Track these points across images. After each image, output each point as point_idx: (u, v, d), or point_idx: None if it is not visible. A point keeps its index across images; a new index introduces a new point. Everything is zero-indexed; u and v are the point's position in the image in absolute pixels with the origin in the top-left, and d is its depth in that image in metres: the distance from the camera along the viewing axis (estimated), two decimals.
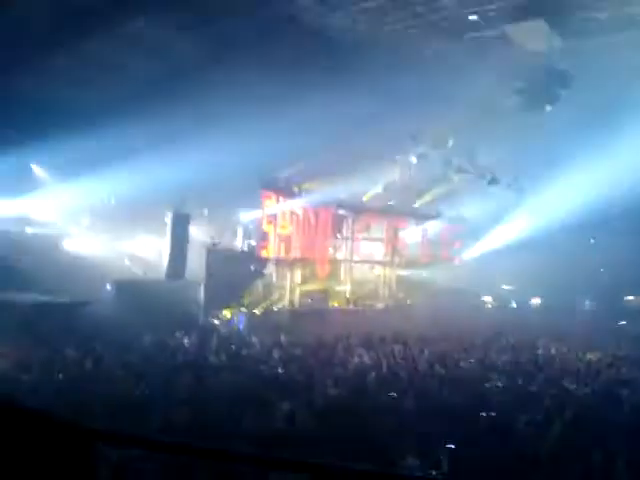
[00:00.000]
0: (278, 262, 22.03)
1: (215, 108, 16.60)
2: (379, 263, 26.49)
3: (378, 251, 26.77)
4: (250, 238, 21.00)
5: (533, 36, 16.03)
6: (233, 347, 14.34)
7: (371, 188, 25.06)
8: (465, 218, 27.07)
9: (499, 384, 11.32)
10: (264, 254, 21.16)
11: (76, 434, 2.07)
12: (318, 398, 9.76)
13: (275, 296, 21.87)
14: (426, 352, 14.27)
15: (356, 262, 25.88)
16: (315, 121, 17.09)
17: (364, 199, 25.68)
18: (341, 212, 25.37)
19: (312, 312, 21.90)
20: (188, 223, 20.44)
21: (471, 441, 7.61)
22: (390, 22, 17.03)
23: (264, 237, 21.11)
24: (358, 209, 25.84)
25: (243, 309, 19.53)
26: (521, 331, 18.73)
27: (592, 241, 27.03)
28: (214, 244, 20.13)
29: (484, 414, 8.92)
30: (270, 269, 22.04)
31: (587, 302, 26.39)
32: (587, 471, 7.03)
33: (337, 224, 25.21)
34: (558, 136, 19.85)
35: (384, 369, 12.28)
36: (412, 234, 27.45)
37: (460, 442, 7.39)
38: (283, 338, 15.69)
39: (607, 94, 17.47)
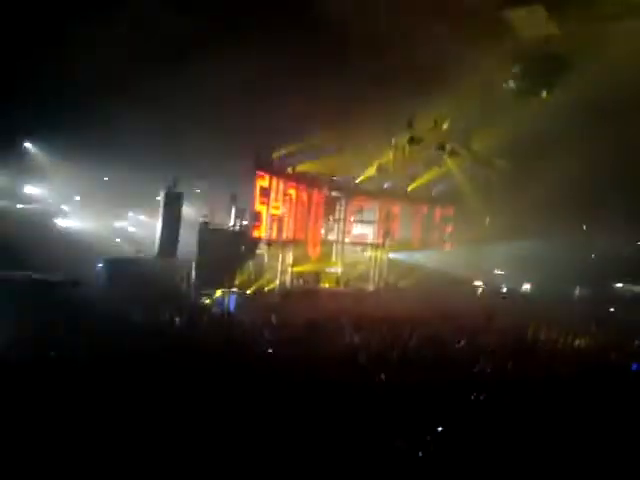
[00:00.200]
0: (270, 243, 22.03)
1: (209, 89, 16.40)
2: (371, 245, 26.55)
3: (370, 234, 26.81)
4: (243, 218, 20.92)
5: (531, 21, 15.94)
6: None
7: (365, 170, 25.03)
8: (458, 202, 27.10)
9: (487, 369, 11.40)
10: (256, 234, 21.13)
11: None
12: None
13: (266, 277, 21.89)
14: (414, 335, 14.32)
15: (348, 244, 25.94)
16: (311, 102, 16.96)
17: (357, 181, 25.66)
18: (334, 194, 25.37)
19: (303, 293, 21.97)
20: (181, 202, 20.35)
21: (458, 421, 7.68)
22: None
23: (257, 217, 21.05)
24: (351, 191, 25.85)
25: (234, 289, 19.52)
26: (512, 316, 18.83)
27: (584, 227, 27.14)
28: (206, 223, 20.07)
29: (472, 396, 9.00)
30: (262, 249, 22.04)
31: (577, 288, 26.63)
32: None
33: (330, 206, 25.21)
34: (553, 121, 19.81)
35: (373, 349, 12.33)
36: (405, 217, 27.48)
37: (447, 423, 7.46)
38: (274, 318, 15.69)
39: (604, 80, 17.43)
